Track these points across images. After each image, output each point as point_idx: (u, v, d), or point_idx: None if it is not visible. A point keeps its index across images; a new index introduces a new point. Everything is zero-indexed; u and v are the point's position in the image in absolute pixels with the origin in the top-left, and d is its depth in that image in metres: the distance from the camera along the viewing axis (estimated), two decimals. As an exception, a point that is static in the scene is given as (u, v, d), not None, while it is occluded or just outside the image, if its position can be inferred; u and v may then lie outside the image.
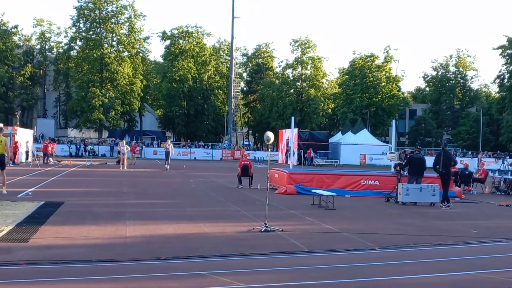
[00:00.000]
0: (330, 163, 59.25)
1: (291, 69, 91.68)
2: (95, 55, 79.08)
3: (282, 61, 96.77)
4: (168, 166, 40.73)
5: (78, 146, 67.22)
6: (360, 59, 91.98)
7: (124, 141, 46.10)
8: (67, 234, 12.63)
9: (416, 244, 12.66)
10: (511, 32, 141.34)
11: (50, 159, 46.84)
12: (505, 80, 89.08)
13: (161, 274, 9.06)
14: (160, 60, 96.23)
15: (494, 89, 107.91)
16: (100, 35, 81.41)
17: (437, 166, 21.82)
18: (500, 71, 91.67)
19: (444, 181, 21.86)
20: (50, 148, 47.93)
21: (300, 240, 12.51)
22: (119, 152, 44.29)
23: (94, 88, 77.75)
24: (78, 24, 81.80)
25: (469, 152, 77.05)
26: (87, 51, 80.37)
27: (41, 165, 41.74)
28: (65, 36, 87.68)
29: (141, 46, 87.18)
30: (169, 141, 46.78)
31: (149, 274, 9.01)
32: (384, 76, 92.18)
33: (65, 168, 40.22)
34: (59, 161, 48.06)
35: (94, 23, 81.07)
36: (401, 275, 9.45)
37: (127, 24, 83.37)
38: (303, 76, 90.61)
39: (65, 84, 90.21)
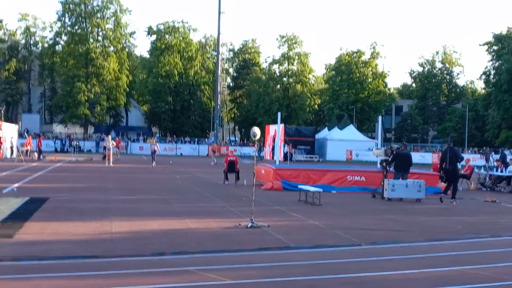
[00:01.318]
0: (310, 158, 59.10)
1: (277, 64, 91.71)
2: (80, 50, 78.76)
3: (268, 57, 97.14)
4: (155, 163, 40.42)
5: (63, 142, 66.85)
6: (347, 55, 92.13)
7: (110, 137, 45.89)
8: (52, 230, 12.56)
9: (401, 240, 12.70)
10: (497, 29, 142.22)
11: (35, 153, 46.64)
12: (491, 77, 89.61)
13: (147, 270, 9.03)
14: (146, 55, 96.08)
15: (480, 85, 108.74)
16: (85, 29, 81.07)
17: (444, 163, 21.88)
18: (486, 67, 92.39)
19: (450, 178, 21.97)
20: (28, 142, 47.65)
21: (286, 236, 12.50)
22: (105, 148, 44.07)
23: (80, 83, 77.46)
24: (63, 18, 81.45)
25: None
26: (73, 46, 80.00)
27: (36, 160, 41.94)
28: (50, 31, 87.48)
29: (127, 41, 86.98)
30: (155, 140, 46.68)
31: (134, 270, 8.98)
32: (371, 72, 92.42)
33: (50, 163, 39.98)
34: (44, 157, 47.77)
35: (80, 18, 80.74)
36: (386, 271, 9.46)
37: (113, 19, 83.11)
38: (290, 72, 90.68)
39: (50, 79, 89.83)
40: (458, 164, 22.64)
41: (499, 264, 10.31)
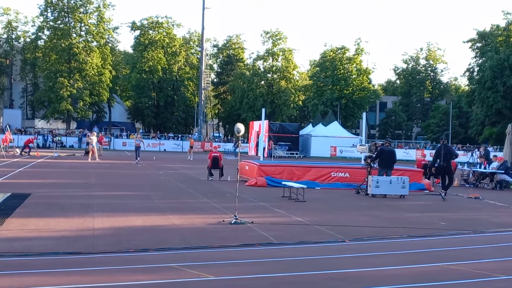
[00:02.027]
0: (291, 154, 58.96)
1: (261, 60, 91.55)
2: (63, 45, 78.11)
3: (252, 53, 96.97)
4: (139, 159, 39.65)
5: (45, 137, 66.40)
6: (331, 51, 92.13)
7: (94, 133, 45.62)
8: (34, 226, 12.46)
9: (385, 236, 12.72)
10: (481, 26, 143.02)
11: (18, 149, 46.26)
12: (475, 73, 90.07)
13: (130, 266, 8.98)
14: (130, 50, 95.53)
15: (463, 82, 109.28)
16: (68, 24, 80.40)
17: (437, 160, 22.09)
18: (469, 64, 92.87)
19: (444, 174, 22.35)
20: (5, 138, 47.19)
21: (270, 232, 12.48)
22: (88, 144, 43.72)
23: (62, 79, 76.85)
24: (45, 13, 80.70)
25: (439, 145, 77.59)
26: (55, 40, 79.32)
27: (18, 155, 41.86)
28: (32, 26, 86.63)
29: (110, 36, 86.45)
30: (139, 135, 46.38)
31: (117, 267, 8.93)
32: (355, 69, 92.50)
33: (32, 159, 39.71)
34: (27, 153, 47.37)
35: (62, 12, 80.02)
36: (370, 267, 9.46)
37: (96, 13, 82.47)
38: (274, 68, 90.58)
39: (32, 74, 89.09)
40: (452, 161, 22.95)
41: (481, 260, 10.36)
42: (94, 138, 41.55)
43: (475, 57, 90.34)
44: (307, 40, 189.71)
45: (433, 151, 54.83)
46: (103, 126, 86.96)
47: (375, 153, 23.05)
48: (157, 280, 8.06)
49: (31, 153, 45.54)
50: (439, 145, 23.51)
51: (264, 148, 54.49)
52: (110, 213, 14.68)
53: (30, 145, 47.43)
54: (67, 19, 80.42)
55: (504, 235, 13.75)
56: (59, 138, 63.54)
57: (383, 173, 22.47)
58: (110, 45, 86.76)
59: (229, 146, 69.09)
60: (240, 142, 21.18)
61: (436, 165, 22.51)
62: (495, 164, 29.00)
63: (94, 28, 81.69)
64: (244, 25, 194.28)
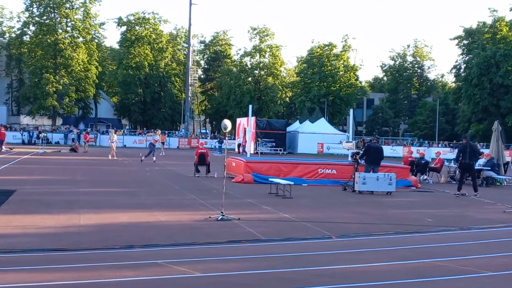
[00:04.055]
0: (275, 151, 58.73)
1: (249, 57, 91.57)
2: (48, 40, 77.71)
3: (240, 49, 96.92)
4: (155, 158, 37.04)
5: (31, 134, 65.98)
6: (319, 47, 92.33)
7: (113, 131, 45.72)
8: (19, 222, 12.37)
9: (372, 232, 12.72)
10: (467, 23, 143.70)
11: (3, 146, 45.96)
12: (461, 70, 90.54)
13: (116, 263, 8.92)
14: (116, 46, 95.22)
15: (450, 79, 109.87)
16: (54, 20, 79.97)
17: (460, 158, 22.49)
18: (456, 61, 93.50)
19: (467, 172, 23.03)
20: None
21: (256, 229, 12.45)
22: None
23: (48, 74, 76.48)
24: (31, 8, 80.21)
25: (426, 142, 78.11)
26: (41, 36, 78.92)
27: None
28: (17, 21, 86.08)
29: (96, 32, 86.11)
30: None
31: (103, 263, 8.87)
32: (342, 65, 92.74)
33: (17, 155, 39.45)
34: (11, 149, 47.08)
35: (48, 8, 79.56)
36: (357, 263, 9.46)
37: (82, 9, 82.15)
38: (261, 64, 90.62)
39: (17, 70, 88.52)
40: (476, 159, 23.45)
41: (468, 256, 10.38)
42: (115, 136, 41.63)
43: (462, 54, 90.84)
44: (294, 36, 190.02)
45: (420, 148, 54.94)
46: (89, 122, 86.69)
47: (363, 150, 23.05)
48: (143, 277, 8.00)
49: (12, 148, 45.22)
50: (462, 143, 23.67)
51: (239, 145, 54.60)
52: (96, 210, 14.59)
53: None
54: (52, 15, 79.98)
55: (491, 231, 13.79)
56: (45, 134, 63.25)
57: (370, 170, 22.48)
58: (96, 41, 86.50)
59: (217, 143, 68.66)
60: (226, 138, 20.94)
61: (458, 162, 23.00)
62: (481, 161, 29.10)
63: (80, 24, 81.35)
64: (231, 21, 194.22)
